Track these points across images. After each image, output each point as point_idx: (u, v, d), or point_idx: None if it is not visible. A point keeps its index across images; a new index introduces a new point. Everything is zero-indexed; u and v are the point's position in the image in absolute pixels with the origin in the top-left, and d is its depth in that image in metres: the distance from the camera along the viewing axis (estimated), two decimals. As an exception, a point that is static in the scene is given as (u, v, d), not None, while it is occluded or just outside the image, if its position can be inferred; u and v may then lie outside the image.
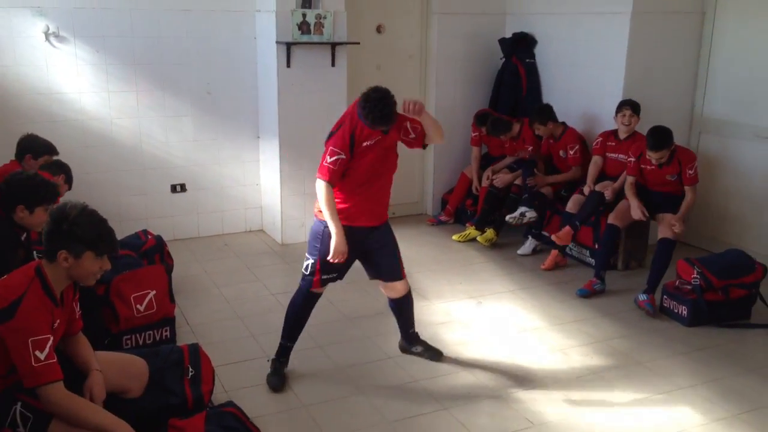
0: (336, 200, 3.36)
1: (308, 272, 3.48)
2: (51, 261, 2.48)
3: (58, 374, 2.39)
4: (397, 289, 3.64)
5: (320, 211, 3.39)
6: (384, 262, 3.57)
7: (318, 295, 3.57)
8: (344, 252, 3.32)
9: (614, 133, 5.16)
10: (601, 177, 5.22)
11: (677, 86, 5.58)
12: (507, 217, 5.51)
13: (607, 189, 4.99)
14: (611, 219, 4.84)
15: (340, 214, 3.35)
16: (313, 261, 3.45)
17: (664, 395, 3.49)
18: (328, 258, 3.33)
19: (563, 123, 5.55)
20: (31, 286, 2.42)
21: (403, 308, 3.75)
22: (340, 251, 3.32)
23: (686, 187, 4.64)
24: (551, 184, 5.55)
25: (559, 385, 3.57)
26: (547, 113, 5.49)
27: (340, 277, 3.54)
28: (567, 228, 5.01)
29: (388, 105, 3.22)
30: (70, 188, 4.32)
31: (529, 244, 5.48)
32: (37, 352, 2.33)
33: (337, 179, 3.32)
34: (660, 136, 4.53)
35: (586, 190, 5.17)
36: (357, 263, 3.56)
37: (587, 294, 4.69)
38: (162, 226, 5.39)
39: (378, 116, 3.21)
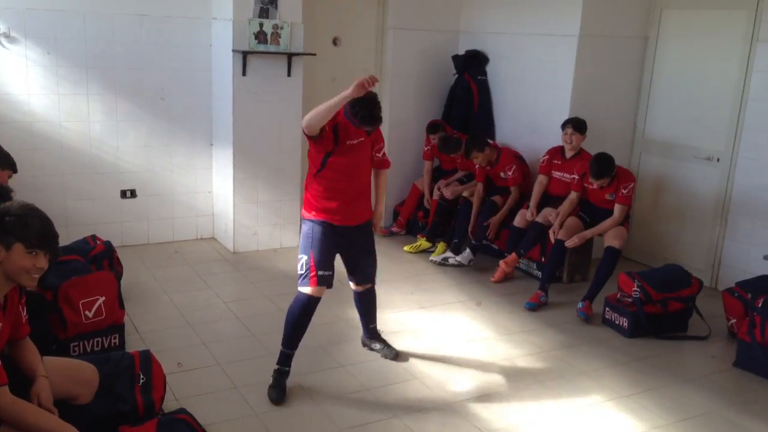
0: (318, 198, 3.51)
1: (304, 270, 3.51)
2: None
3: (2, 379, 2.35)
4: (364, 284, 3.82)
5: (306, 212, 3.56)
6: (362, 261, 3.75)
7: (316, 301, 3.56)
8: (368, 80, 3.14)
9: (561, 150, 5.34)
10: (544, 198, 5.37)
11: (621, 107, 5.81)
12: (430, 258, 5.73)
13: (551, 218, 5.15)
14: (560, 236, 4.99)
15: (325, 213, 3.50)
16: (306, 257, 3.50)
17: (605, 403, 3.63)
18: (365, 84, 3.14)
19: (496, 146, 5.70)
20: None
21: (366, 301, 3.91)
22: (364, 80, 3.13)
23: (616, 205, 4.84)
24: (497, 192, 5.74)
25: (506, 394, 3.68)
26: (481, 140, 5.62)
27: (332, 275, 3.58)
28: (513, 255, 5.26)
29: (377, 106, 3.38)
30: (13, 174, 4.20)
31: (467, 254, 5.57)
32: None
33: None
34: (602, 166, 4.77)
35: (529, 215, 5.32)
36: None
37: (535, 307, 4.83)
38: (111, 232, 5.30)
39: (367, 115, 3.33)
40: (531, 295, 4.94)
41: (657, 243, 5.80)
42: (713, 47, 5.31)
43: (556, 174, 5.36)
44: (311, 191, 3.56)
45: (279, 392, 3.49)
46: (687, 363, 4.22)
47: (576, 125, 5.18)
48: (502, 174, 5.68)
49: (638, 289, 4.43)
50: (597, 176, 4.78)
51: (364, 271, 3.79)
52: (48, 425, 2.42)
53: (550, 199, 5.35)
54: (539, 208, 5.33)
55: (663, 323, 4.45)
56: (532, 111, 5.93)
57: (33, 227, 2.43)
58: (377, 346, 4.01)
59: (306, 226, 3.58)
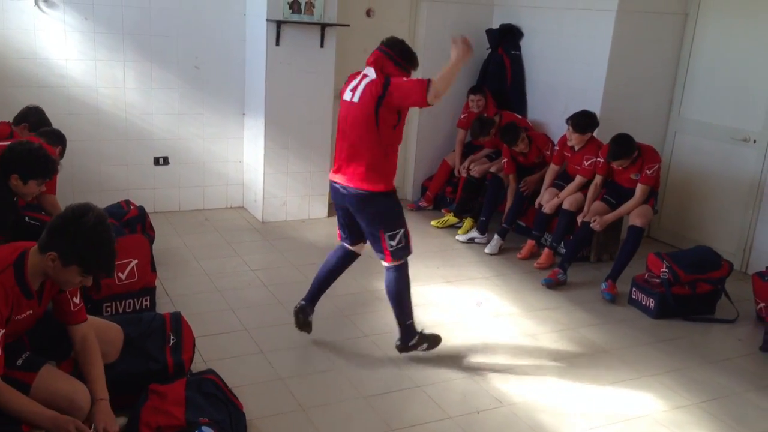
0: (393, 168, 3.44)
1: (403, 243, 3.44)
2: (42, 253, 2.40)
3: None
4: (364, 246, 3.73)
5: (381, 185, 3.38)
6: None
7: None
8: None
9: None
10: (564, 180, 5.31)
11: (657, 85, 5.71)
12: (456, 237, 5.70)
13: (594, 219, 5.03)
14: (586, 218, 4.96)
15: (394, 173, 3.45)
16: (403, 230, 3.44)
17: (628, 382, 3.63)
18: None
19: (528, 135, 5.58)
20: (1, 275, 2.37)
21: (347, 267, 3.81)
22: (462, 48, 3.22)
23: (638, 185, 4.76)
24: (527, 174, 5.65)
25: (528, 369, 3.70)
26: (517, 128, 5.49)
27: None
28: (547, 251, 5.19)
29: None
30: (61, 158, 4.31)
31: (495, 243, 5.46)
32: None
33: None
34: (619, 147, 4.70)
35: (547, 197, 5.25)
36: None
37: (551, 283, 4.82)
38: (143, 198, 5.40)
39: (414, 56, 3.36)
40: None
41: (688, 224, 5.73)
42: (754, 26, 5.17)
43: (570, 163, 5.29)
44: (389, 163, 3.40)
45: (436, 337, 3.68)
46: (713, 345, 4.19)
47: (575, 125, 5.03)
48: (536, 159, 5.59)
49: (667, 270, 4.39)
50: (614, 157, 4.73)
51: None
52: (35, 416, 2.38)
53: (569, 180, 5.27)
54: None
55: (691, 305, 4.42)
56: (565, 87, 5.86)
57: (100, 260, 2.41)
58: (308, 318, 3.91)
59: (386, 200, 3.41)
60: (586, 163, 5.08)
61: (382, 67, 3.36)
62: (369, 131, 3.31)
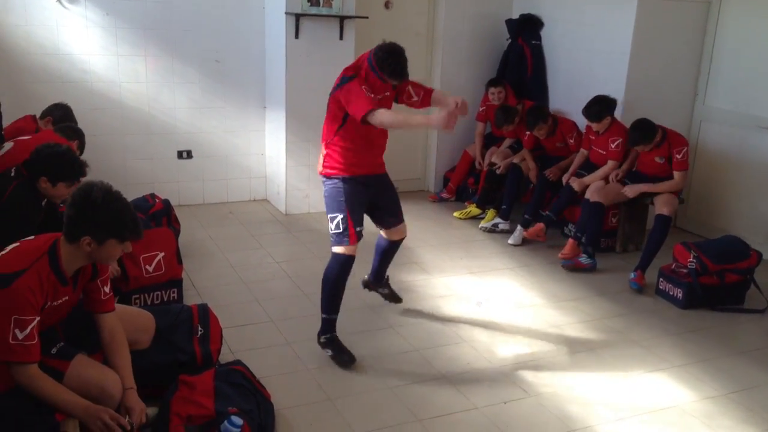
0: (342, 154, 3.45)
1: (342, 228, 3.43)
2: (71, 242, 2.44)
3: (32, 356, 2.37)
4: (400, 231, 3.80)
5: (329, 170, 3.48)
6: (390, 208, 3.71)
7: (352, 260, 3.51)
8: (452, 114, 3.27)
9: None
10: (588, 168, 5.27)
11: (681, 74, 5.64)
12: (480, 226, 5.68)
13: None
14: (593, 197, 4.92)
15: (352, 167, 3.46)
16: (342, 215, 3.44)
17: (656, 372, 3.60)
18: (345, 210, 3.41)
19: (553, 117, 5.57)
20: (37, 263, 2.40)
21: (394, 250, 3.91)
22: (443, 116, 3.25)
23: (675, 172, 4.75)
24: (550, 163, 5.61)
25: (554, 360, 3.68)
26: (543, 110, 5.50)
27: (362, 227, 3.56)
28: (571, 241, 5.08)
29: (406, 60, 3.34)
30: (81, 154, 4.35)
31: (518, 234, 5.42)
32: (17, 331, 2.31)
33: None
34: (638, 132, 4.69)
35: (567, 180, 5.26)
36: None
37: (570, 265, 4.86)
38: (168, 192, 5.43)
39: (398, 69, 3.31)
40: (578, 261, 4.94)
41: (715, 214, 5.66)
42: (782, 12, 5.09)
43: (594, 148, 5.25)
44: (333, 149, 3.46)
45: (347, 354, 3.49)
46: (741, 336, 4.14)
47: (589, 115, 5.01)
48: (558, 143, 5.57)
49: (694, 260, 4.34)
50: (634, 143, 4.74)
51: (392, 214, 3.74)
52: (66, 404, 2.41)
53: (591, 168, 5.23)
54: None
55: (719, 295, 4.37)
56: (587, 77, 5.80)
57: (128, 224, 2.47)
58: (385, 290, 4.07)
59: (331, 185, 3.48)
60: (613, 145, 5.04)
61: (361, 65, 3.40)
62: (327, 118, 3.50)
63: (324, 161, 3.52)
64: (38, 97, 4.87)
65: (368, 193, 3.55)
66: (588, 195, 4.98)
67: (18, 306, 2.32)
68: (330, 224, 3.48)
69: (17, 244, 2.52)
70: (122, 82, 5.40)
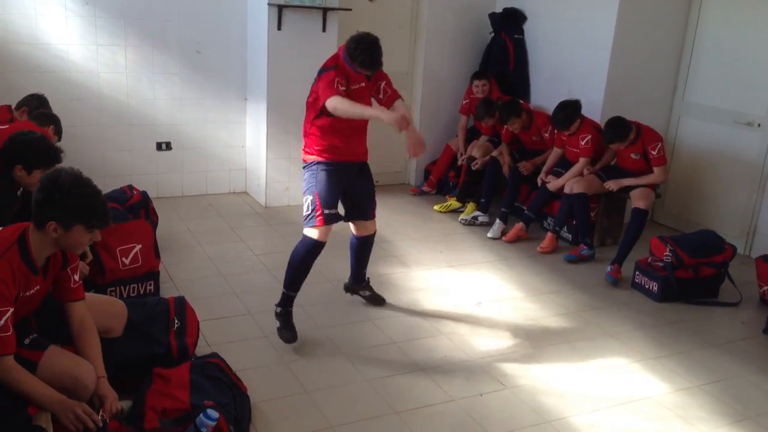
0: (317, 140, 3.49)
1: (309, 210, 3.50)
2: (39, 229, 2.41)
3: (8, 348, 2.34)
4: (368, 227, 3.81)
5: (307, 156, 3.54)
6: (361, 200, 3.72)
7: (321, 245, 3.56)
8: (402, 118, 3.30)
9: None
10: (564, 166, 5.29)
11: (661, 68, 5.68)
12: (459, 219, 5.70)
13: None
14: (577, 189, 4.98)
15: (327, 153, 3.48)
16: (311, 197, 3.49)
17: (631, 365, 3.64)
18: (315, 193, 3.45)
19: (528, 109, 5.59)
20: (7, 253, 2.37)
21: (365, 247, 3.91)
22: (396, 118, 3.29)
23: (654, 168, 4.80)
24: (526, 157, 5.64)
25: (531, 352, 3.70)
26: (516, 104, 5.52)
27: (338, 214, 3.58)
28: (550, 234, 5.21)
29: (379, 50, 3.36)
30: (59, 140, 4.31)
31: (497, 227, 5.44)
32: None
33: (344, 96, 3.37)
34: (612, 131, 4.75)
35: (542, 179, 5.30)
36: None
37: (575, 259, 4.93)
38: (147, 183, 5.38)
39: (368, 59, 3.32)
40: (561, 254, 5.04)
41: (691, 208, 5.72)
42: (759, 9, 5.13)
43: (568, 147, 5.28)
44: (311, 136, 3.52)
45: (291, 332, 3.58)
46: (716, 328, 4.19)
47: (557, 123, 5.07)
48: (534, 137, 5.60)
49: (670, 254, 4.39)
50: (608, 141, 4.82)
51: (364, 208, 3.75)
52: (41, 396, 2.39)
53: (568, 166, 5.25)
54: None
55: (694, 288, 4.42)
56: (569, 71, 5.83)
57: (95, 210, 2.43)
58: (366, 293, 4.07)
59: (308, 170, 3.55)
60: (583, 143, 5.09)
61: (340, 56, 3.43)
62: (306, 107, 3.55)
63: (303, 148, 3.60)
64: (16, 87, 4.81)
65: (343, 179, 3.57)
66: (567, 190, 5.02)
67: None
68: (303, 205, 3.56)
69: None
70: (101, 73, 5.34)
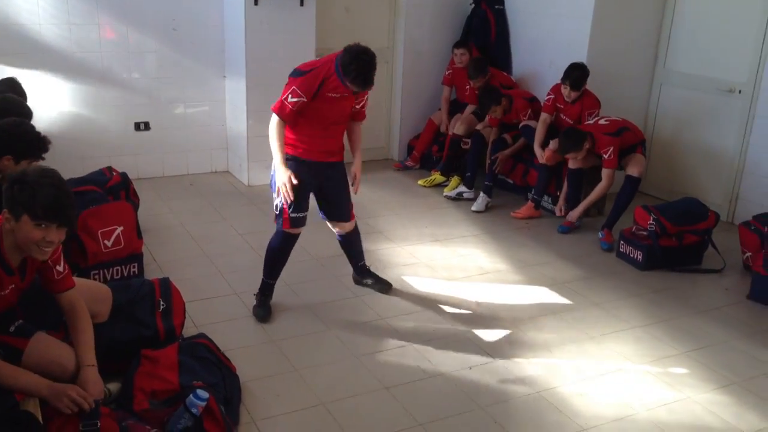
0: (294, 137, 3.44)
1: (278, 211, 3.53)
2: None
3: None
4: (345, 226, 3.78)
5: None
6: (336, 201, 3.68)
7: (294, 237, 3.60)
8: (289, 180, 3.35)
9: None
10: (554, 134, 5.24)
11: (642, 37, 5.66)
12: (444, 194, 5.68)
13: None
14: (572, 164, 4.98)
15: (299, 149, 3.44)
16: (280, 199, 3.48)
17: (618, 333, 3.67)
18: (278, 189, 3.42)
19: (508, 96, 5.52)
20: None
21: (351, 242, 3.88)
22: (282, 180, 3.36)
23: (604, 170, 4.84)
24: (509, 130, 5.61)
25: (519, 324, 3.72)
26: (496, 91, 5.46)
27: (306, 216, 3.57)
28: (529, 203, 5.26)
29: (373, 69, 3.26)
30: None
31: (482, 201, 5.43)
32: None
33: (291, 119, 3.36)
34: (568, 142, 4.76)
35: (538, 155, 5.24)
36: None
37: (567, 230, 5.01)
38: (126, 165, 5.29)
39: (361, 78, 3.23)
40: (544, 225, 5.08)
41: (675, 177, 5.74)
42: (740, -26, 5.12)
43: (562, 115, 5.26)
44: (295, 135, 3.46)
45: (265, 310, 3.62)
46: (700, 295, 4.23)
47: (573, 83, 5.01)
48: (515, 120, 5.56)
49: (654, 223, 4.41)
50: (564, 152, 4.85)
51: (338, 208, 3.70)
52: (27, 386, 2.36)
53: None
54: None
55: (678, 256, 4.45)
56: (550, 42, 5.79)
57: (40, 199, 2.28)
58: (369, 281, 4.00)
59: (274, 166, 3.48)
60: (590, 119, 5.04)
61: (323, 64, 3.36)
62: None
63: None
64: (-13, 70, 4.70)
65: (314, 180, 3.52)
66: (572, 165, 5.02)
67: None
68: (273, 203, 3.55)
69: None
70: (75, 52, 5.22)
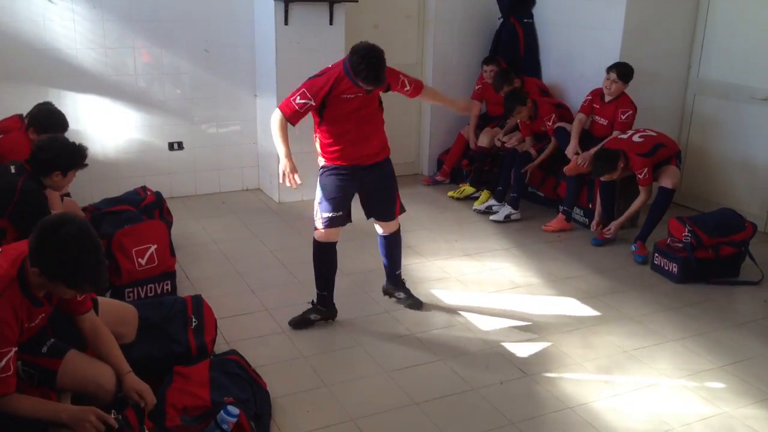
0: (323, 144, 3.53)
1: (315, 213, 3.62)
2: (31, 266, 2.25)
3: (8, 388, 2.26)
4: (388, 225, 3.79)
5: (318, 156, 3.59)
6: (379, 201, 3.70)
7: (329, 246, 3.64)
8: (292, 172, 3.48)
9: (602, 93, 5.19)
10: (588, 139, 5.21)
11: (674, 47, 5.59)
12: (473, 207, 5.67)
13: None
14: (605, 177, 4.92)
15: (332, 157, 3.52)
16: (318, 200, 3.58)
17: (653, 347, 3.60)
18: (279, 180, 3.52)
19: (533, 100, 5.52)
20: (6, 291, 2.25)
21: (391, 246, 3.86)
22: (285, 172, 3.48)
23: (641, 187, 4.79)
24: (537, 140, 5.58)
25: (551, 339, 3.68)
26: (521, 93, 5.45)
27: (345, 216, 3.60)
28: (560, 216, 5.22)
29: (383, 65, 3.27)
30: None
31: (502, 211, 5.42)
32: None
33: (296, 120, 3.44)
34: (603, 163, 4.70)
35: (572, 153, 5.16)
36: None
37: (601, 243, 4.95)
38: (160, 184, 5.41)
39: (372, 75, 3.25)
40: (575, 239, 5.00)
41: (710, 188, 5.63)
42: (773, -20, 5.04)
43: (596, 117, 5.22)
44: (318, 139, 3.56)
45: (301, 321, 3.70)
46: (737, 308, 4.14)
47: (621, 73, 4.98)
48: (542, 127, 5.54)
49: (689, 234, 4.34)
50: (598, 174, 4.77)
51: (381, 209, 3.72)
52: (46, 416, 2.35)
53: (592, 140, 5.20)
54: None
55: (714, 268, 4.36)
56: (580, 55, 5.76)
57: (80, 274, 2.23)
58: (401, 295, 3.96)
59: (320, 172, 3.61)
60: (623, 117, 5.02)
61: (334, 68, 3.41)
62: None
63: (316, 149, 3.63)
64: (27, 95, 4.80)
65: (353, 182, 3.57)
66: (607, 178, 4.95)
67: None
68: None
69: None
70: (111, 76, 5.36)
